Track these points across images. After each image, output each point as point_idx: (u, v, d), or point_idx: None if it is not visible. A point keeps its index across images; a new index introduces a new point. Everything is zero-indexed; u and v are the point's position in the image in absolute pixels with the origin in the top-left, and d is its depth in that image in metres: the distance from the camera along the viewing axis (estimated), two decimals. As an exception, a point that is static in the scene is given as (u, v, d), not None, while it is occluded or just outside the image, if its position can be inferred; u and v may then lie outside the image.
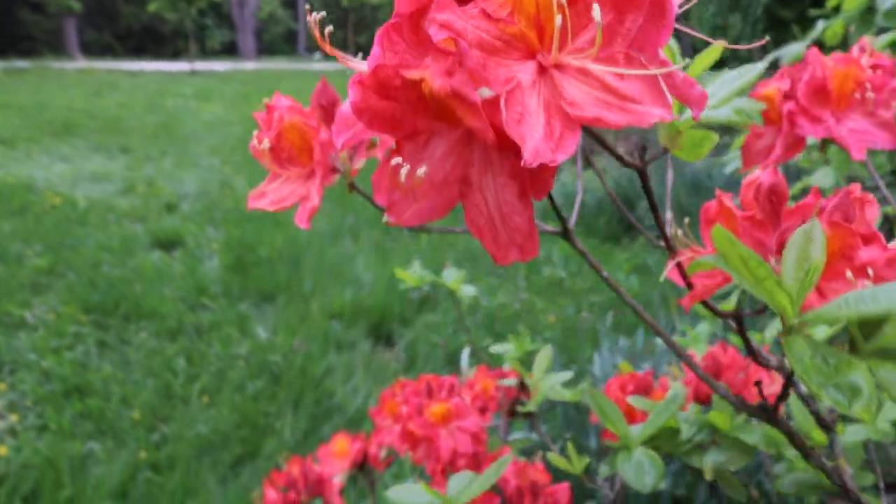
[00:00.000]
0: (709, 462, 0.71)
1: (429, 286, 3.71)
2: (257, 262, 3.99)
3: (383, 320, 3.38)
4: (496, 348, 1.23)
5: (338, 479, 0.99)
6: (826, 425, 0.51)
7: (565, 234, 0.49)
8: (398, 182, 0.32)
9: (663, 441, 0.73)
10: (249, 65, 21.69)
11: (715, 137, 0.45)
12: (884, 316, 0.36)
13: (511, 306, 3.56)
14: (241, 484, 2.27)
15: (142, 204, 5.33)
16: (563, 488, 0.74)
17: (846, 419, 0.70)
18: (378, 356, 3.12)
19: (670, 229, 0.46)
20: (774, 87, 0.57)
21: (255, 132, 0.47)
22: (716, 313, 0.46)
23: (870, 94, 0.54)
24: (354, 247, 4.34)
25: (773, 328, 1.13)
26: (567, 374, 0.95)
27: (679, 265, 0.43)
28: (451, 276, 1.14)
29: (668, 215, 0.51)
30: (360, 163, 0.46)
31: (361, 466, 1.02)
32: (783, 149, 0.55)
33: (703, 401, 0.75)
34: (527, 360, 1.25)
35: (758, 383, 0.45)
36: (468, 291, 1.16)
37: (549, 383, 0.94)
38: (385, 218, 0.37)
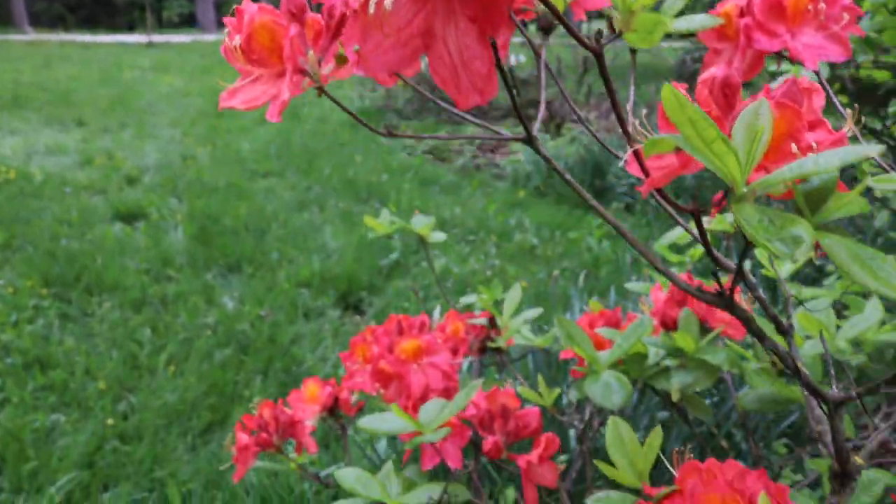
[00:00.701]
0: (675, 383, 0.72)
1: (398, 254, 3.67)
2: (222, 233, 3.94)
3: (352, 288, 3.37)
4: (466, 300, 1.24)
5: (309, 423, 0.99)
6: (784, 330, 0.52)
7: (529, 140, 0.49)
8: (368, 27, 0.33)
9: (631, 366, 0.75)
10: (209, 37, 21.17)
11: (668, 24, 0.46)
12: (827, 189, 0.37)
13: (482, 273, 3.57)
14: (211, 451, 2.27)
15: (101, 177, 5.20)
16: (534, 412, 0.76)
17: (807, 338, 0.73)
18: (347, 323, 3.11)
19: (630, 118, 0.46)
20: (732, 3, 0.59)
21: (227, 31, 0.46)
22: (673, 206, 0.47)
23: (822, 6, 0.55)
24: (321, 216, 4.31)
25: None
26: (537, 311, 0.96)
27: (637, 155, 0.44)
28: (421, 223, 1.14)
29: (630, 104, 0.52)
30: (328, 67, 0.46)
31: (332, 411, 1.03)
32: (741, 63, 0.56)
33: (670, 327, 0.77)
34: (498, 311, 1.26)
35: (714, 273, 0.47)
36: (438, 237, 1.16)
37: (519, 320, 0.95)
38: (355, 69, 0.37)
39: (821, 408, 0.54)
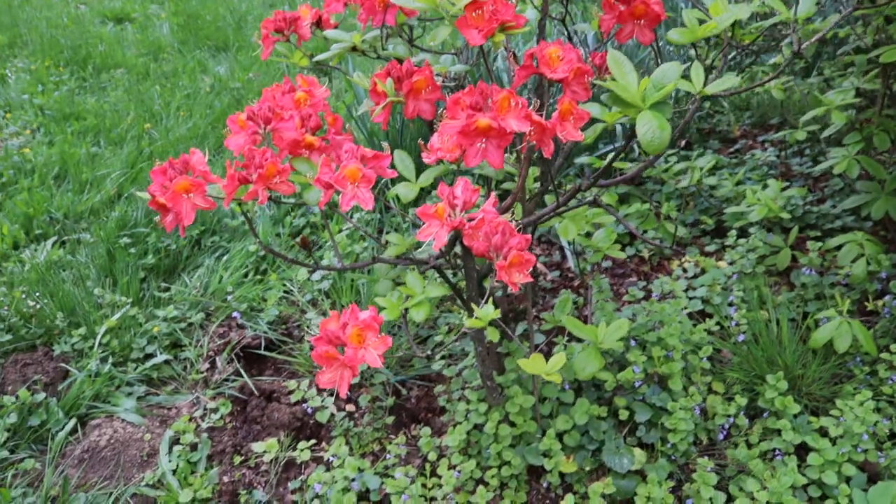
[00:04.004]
0: None
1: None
2: (205, 26, 4.45)
3: (322, 63, 3.95)
4: None
5: (305, 24, 1.64)
6: None
7: None
8: None
9: None
10: None
11: None
12: None
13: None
14: (224, 158, 2.93)
15: (79, -8, 5.57)
16: None
17: None
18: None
19: None
20: None
21: None
22: None
23: None
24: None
25: None
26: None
27: None
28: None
29: None
30: None
31: (318, 24, 1.67)
32: None
33: None
34: None
35: None
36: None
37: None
38: None
39: None
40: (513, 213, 1.39)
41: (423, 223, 0.98)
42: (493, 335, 1.01)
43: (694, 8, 1.08)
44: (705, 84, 1.00)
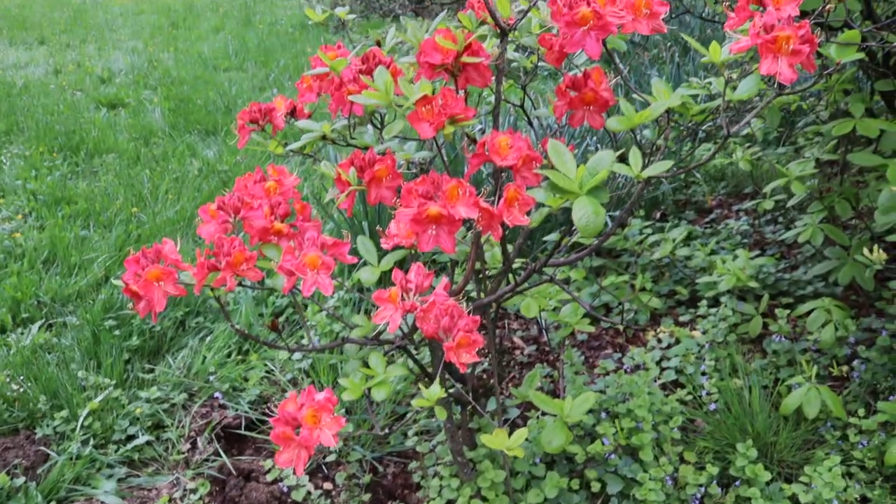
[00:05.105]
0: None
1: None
2: (196, 110, 4.59)
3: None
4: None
5: (279, 114, 1.73)
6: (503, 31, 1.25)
7: None
8: None
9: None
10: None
11: None
12: None
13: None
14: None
15: (76, 79, 5.76)
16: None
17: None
18: (307, 162, 3.84)
19: None
20: None
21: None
22: None
23: None
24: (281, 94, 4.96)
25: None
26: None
27: None
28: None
29: None
30: None
31: (292, 113, 1.76)
32: None
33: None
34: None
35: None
36: (342, 9, 1.86)
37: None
38: None
39: None
40: (478, 293, 1.44)
41: (379, 307, 1.02)
42: (440, 414, 1.04)
43: (633, 94, 1.15)
44: (644, 168, 1.06)
